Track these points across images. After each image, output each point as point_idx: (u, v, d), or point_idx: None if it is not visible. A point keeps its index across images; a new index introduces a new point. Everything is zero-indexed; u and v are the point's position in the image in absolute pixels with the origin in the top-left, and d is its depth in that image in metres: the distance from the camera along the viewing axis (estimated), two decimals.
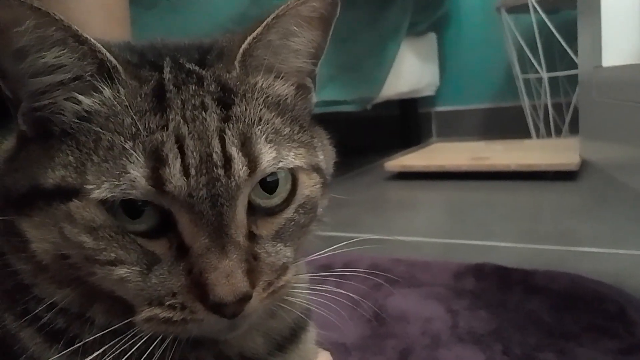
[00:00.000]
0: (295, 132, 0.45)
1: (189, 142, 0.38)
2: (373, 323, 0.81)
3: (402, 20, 2.33)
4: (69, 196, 0.38)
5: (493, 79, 2.91)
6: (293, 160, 0.43)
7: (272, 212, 0.43)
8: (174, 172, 0.37)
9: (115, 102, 0.39)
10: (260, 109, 0.42)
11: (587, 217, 1.40)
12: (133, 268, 0.39)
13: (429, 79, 2.85)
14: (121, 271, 0.39)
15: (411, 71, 2.59)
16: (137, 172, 0.37)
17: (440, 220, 1.60)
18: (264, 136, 0.41)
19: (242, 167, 0.39)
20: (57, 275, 0.42)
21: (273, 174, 0.42)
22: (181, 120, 0.39)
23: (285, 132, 0.43)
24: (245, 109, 0.41)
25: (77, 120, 0.40)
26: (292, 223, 0.44)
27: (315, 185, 0.46)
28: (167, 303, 0.39)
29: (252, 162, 0.40)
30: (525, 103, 2.58)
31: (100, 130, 0.39)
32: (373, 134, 2.98)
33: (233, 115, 0.40)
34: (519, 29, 2.47)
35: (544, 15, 2.30)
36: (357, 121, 2.66)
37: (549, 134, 2.56)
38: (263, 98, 0.43)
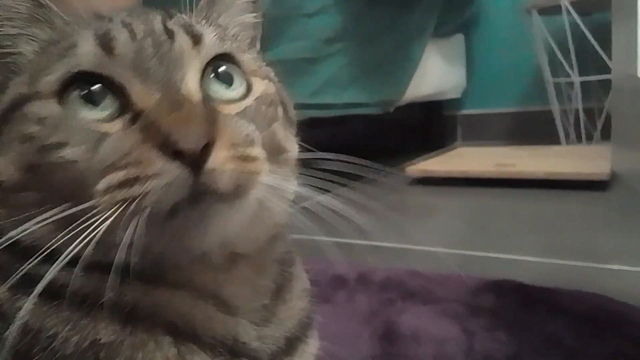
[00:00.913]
0: (242, 44, 0.50)
1: (133, 23, 0.42)
2: (383, 341, 0.77)
3: (427, 21, 2.28)
4: (25, 102, 0.40)
5: (522, 82, 2.83)
6: (239, 54, 0.46)
7: (230, 102, 0.43)
8: (121, 38, 0.40)
9: (67, 28, 0.43)
10: (202, 19, 0.47)
11: (616, 231, 1.33)
12: (80, 146, 0.38)
13: (455, 81, 2.79)
14: (67, 151, 0.38)
15: (436, 73, 2.52)
16: (86, 47, 0.40)
17: (460, 229, 1.54)
18: (208, 27, 0.45)
19: (185, 39, 0.42)
20: (23, 196, 0.40)
21: (226, 69, 0.44)
22: (126, 15, 0.44)
23: (230, 34, 0.49)
24: (188, 17, 0.46)
25: (35, 51, 0.43)
26: (252, 108, 0.44)
27: (270, 87, 0.47)
28: (122, 163, 0.36)
29: (196, 38, 0.43)
30: (555, 108, 2.49)
31: (54, 46, 0.42)
32: (396, 136, 2.93)
33: (175, 16, 0.45)
34: (550, 31, 2.39)
35: (577, 17, 2.22)
36: (380, 123, 2.61)
37: (579, 140, 2.47)
38: (205, 17, 0.48)
